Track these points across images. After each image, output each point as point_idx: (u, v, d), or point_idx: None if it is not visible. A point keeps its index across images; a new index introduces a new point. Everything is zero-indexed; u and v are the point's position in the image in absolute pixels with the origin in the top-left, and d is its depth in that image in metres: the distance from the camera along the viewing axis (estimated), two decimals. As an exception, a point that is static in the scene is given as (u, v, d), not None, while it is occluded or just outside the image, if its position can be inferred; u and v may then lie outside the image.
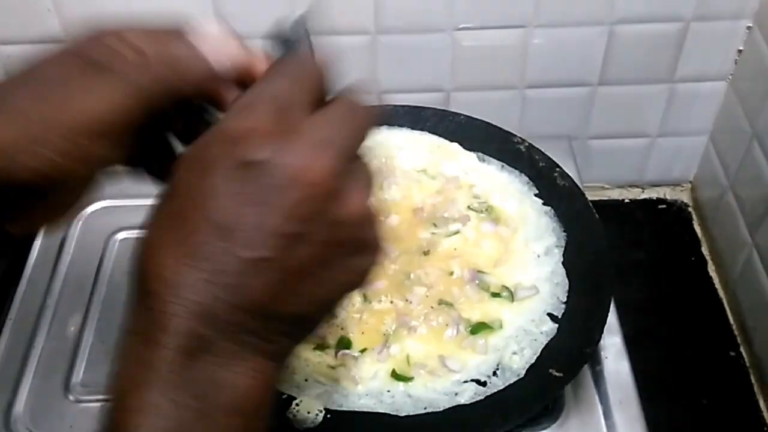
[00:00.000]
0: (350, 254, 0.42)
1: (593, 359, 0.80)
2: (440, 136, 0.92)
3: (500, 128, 0.91)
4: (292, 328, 0.42)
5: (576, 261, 0.81)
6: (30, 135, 0.45)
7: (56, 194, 0.49)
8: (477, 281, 0.80)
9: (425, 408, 0.71)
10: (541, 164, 0.89)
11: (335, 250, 0.41)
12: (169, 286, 0.38)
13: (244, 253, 0.38)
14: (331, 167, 0.39)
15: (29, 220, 0.51)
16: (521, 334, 0.76)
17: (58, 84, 0.46)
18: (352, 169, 0.41)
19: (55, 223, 0.54)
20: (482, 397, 0.72)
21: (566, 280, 0.80)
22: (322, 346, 0.75)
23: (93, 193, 0.52)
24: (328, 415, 0.70)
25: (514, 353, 0.75)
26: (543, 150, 0.89)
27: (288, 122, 0.40)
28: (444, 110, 0.94)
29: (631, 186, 1.20)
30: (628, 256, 1.10)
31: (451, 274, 0.80)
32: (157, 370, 0.38)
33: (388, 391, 0.72)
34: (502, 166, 0.90)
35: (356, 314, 0.76)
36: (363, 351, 0.75)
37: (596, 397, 0.78)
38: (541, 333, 0.76)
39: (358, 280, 0.43)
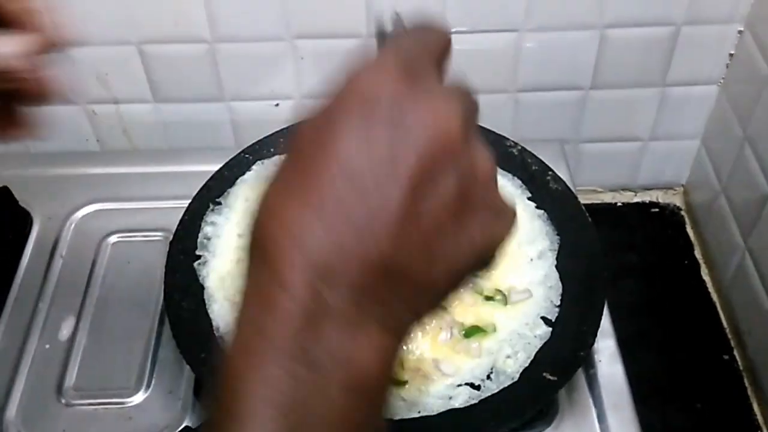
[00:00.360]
0: (482, 215, 0.39)
1: (587, 363, 0.80)
2: (433, 139, 0.92)
3: (493, 132, 0.91)
4: (418, 297, 0.38)
5: (569, 264, 0.81)
6: None
7: None
8: (470, 285, 0.79)
9: (419, 412, 0.71)
10: (533, 168, 0.89)
11: (467, 207, 0.37)
12: (290, 237, 0.35)
13: (373, 199, 0.35)
14: (462, 120, 0.37)
15: None
16: (515, 337, 0.76)
17: None
18: (474, 133, 0.39)
19: None
20: (476, 401, 0.72)
21: (560, 284, 0.80)
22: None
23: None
24: (322, 419, 0.70)
25: (508, 357, 0.75)
26: (535, 153, 0.89)
27: (417, 74, 0.38)
28: (437, 114, 0.94)
29: (623, 189, 1.20)
30: (621, 259, 1.10)
31: (445, 277, 0.80)
32: (272, 335, 0.35)
33: (382, 394, 0.72)
34: (495, 169, 0.90)
35: (350, 318, 0.76)
36: (356, 355, 0.74)
37: (590, 401, 0.78)
38: (535, 336, 0.76)
39: (491, 248, 0.40)
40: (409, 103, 0.36)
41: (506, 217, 0.41)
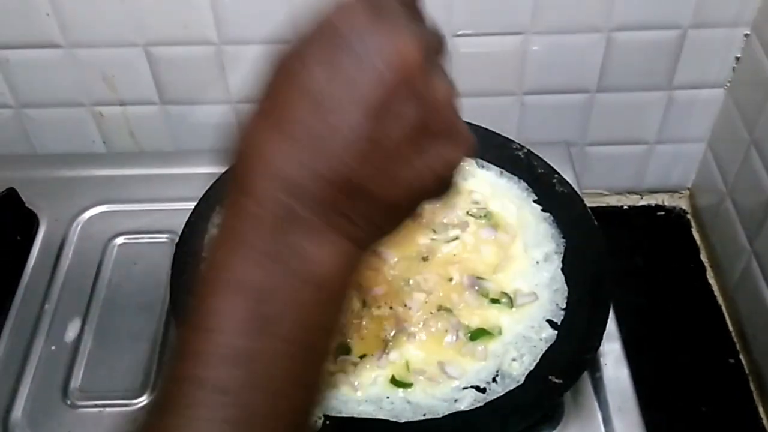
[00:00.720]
0: (440, 141, 0.42)
1: (592, 366, 0.80)
2: (439, 142, 0.92)
3: (499, 134, 0.91)
4: (379, 214, 0.42)
5: (575, 267, 0.81)
6: None
7: None
8: (476, 287, 0.80)
9: (424, 414, 0.71)
10: (539, 170, 0.89)
11: (426, 132, 0.41)
12: (259, 155, 0.39)
13: (335, 119, 0.38)
14: (422, 49, 0.40)
15: None
16: (520, 340, 0.76)
17: None
18: (436, 66, 0.42)
19: None
20: (482, 404, 0.72)
21: (565, 287, 0.80)
22: (321, 352, 0.75)
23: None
24: (327, 422, 0.70)
25: (514, 360, 0.75)
26: (542, 156, 0.89)
27: (381, 10, 0.40)
28: (443, 116, 0.94)
29: (629, 192, 1.20)
30: (627, 262, 1.10)
31: (450, 280, 0.80)
32: (245, 236, 0.39)
33: (388, 397, 0.72)
34: (501, 172, 0.90)
35: (355, 320, 0.76)
36: (362, 357, 0.74)
37: (596, 404, 0.78)
38: (541, 339, 0.76)
39: (448, 173, 0.44)
40: (370, 34, 0.39)
41: (463, 142, 0.44)
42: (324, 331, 0.43)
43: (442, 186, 0.44)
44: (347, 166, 0.39)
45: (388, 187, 0.41)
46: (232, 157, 0.41)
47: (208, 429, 0.38)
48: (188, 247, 0.82)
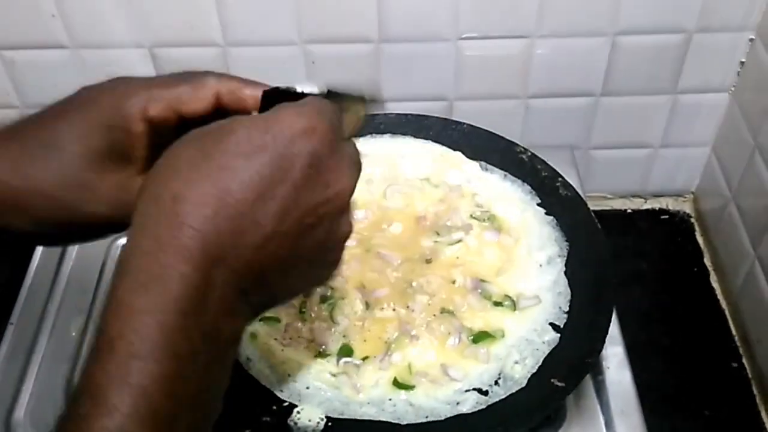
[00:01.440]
0: (327, 255, 0.48)
1: (595, 369, 0.80)
2: (443, 144, 0.92)
3: (503, 137, 0.91)
4: (275, 294, 0.47)
5: (578, 271, 0.81)
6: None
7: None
8: (479, 290, 0.80)
9: (427, 417, 0.71)
10: (543, 174, 0.89)
11: (324, 245, 0.47)
12: (198, 207, 0.41)
13: (258, 218, 0.42)
14: (329, 128, 0.45)
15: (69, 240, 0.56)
16: (523, 343, 0.76)
17: None
18: (343, 146, 0.47)
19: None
20: (484, 407, 0.72)
21: (568, 290, 0.80)
22: (323, 354, 0.75)
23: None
24: (330, 423, 0.70)
25: (516, 362, 0.75)
26: (546, 159, 0.89)
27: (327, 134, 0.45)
28: (447, 119, 0.94)
29: (633, 196, 1.20)
30: (631, 266, 1.10)
31: (454, 282, 0.80)
32: (158, 307, 0.39)
33: (390, 399, 0.72)
34: (505, 175, 0.90)
35: (358, 322, 0.76)
36: (365, 359, 0.74)
37: (598, 407, 0.78)
38: (543, 342, 0.76)
39: (327, 275, 0.50)
40: (323, 166, 0.44)
41: (334, 267, 0.50)
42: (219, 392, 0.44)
43: (320, 280, 0.51)
44: (262, 254, 0.43)
45: (284, 277, 0.46)
46: (161, 185, 0.42)
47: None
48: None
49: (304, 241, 0.45)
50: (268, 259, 0.43)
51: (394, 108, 0.95)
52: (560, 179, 0.88)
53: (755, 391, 0.98)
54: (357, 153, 0.48)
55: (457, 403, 0.72)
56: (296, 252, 0.45)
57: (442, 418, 0.71)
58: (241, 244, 0.42)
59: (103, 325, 0.39)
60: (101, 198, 0.50)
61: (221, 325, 0.42)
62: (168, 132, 0.49)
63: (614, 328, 0.82)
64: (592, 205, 0.86)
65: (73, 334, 0.85)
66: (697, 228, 1.17)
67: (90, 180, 0.50)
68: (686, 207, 1.20)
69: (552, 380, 0.72)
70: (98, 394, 0.38)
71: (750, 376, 1.00)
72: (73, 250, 0.93)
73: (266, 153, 0.42)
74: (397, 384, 0.73)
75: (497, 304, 0.79)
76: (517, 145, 0.91)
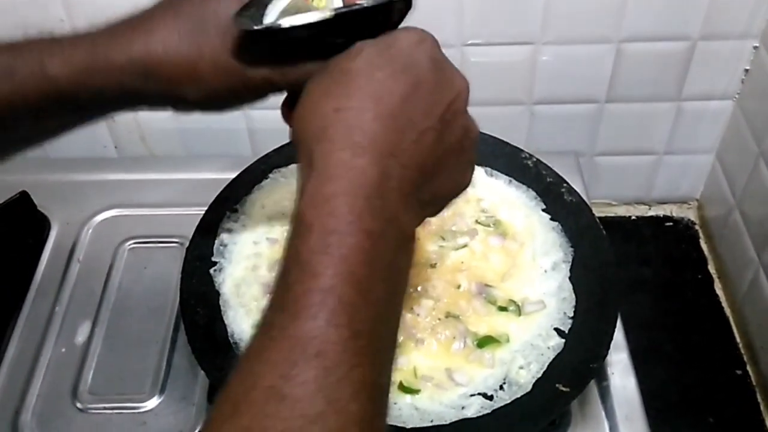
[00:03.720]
0: (464, 161, 0.53)
1: (600, 375, 0.80)
2: (449, 150, 0.92)
3: (508, 143, 0.91)
4: (429, 198, 0.50)
5: (583, 276, 0.81)
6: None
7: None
8: (484, 295, 0.80)
9: (432, 421, 0.71)
10: (548, 180, 0.89)
11: (461, 151, 0.51)
12: (367, 134, 0.46)
13: (419, 124, 0.48)
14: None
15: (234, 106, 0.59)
16: (528, 348, 0.76)
17: None
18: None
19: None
20: (489, 411, 0.72)
21: (573, 296, 0.80)
22: (329, 358, 0.75)
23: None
24: (335, 427, 0.70)
25: (521, 367, 0.75)
26: (551, 165, 0.90)
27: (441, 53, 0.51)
28: (453, 125, 0.95)
29: (637, 203, 1.20)
30: (635, 272, 1.10)
31: (459, 287, 0.80)
32: (345, 196, 0.44)
33: (395, 403, 0.73)
34: (510, 180, 0.90)
35: (364, 326, 0.77)
36: (370, 363, 0.75)
37: (603, 413, 0.78)
38: (548, 348, 0.76)
39: (467, 181, 0.54)
40: (443, 67, 0.50)
41: (472, 168, 0.55)
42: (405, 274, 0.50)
43: (461, 189, 0.55)
44: (424, 155, 0.48)
45: (438, 180, 0.50)
46: (316, 121, 0.47)
47: (338, 335, 0.42)
48: (198, 251, 0.82)
49: (448, 137, 0.50)
50: (425, 153, 0.48)
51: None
52: (565, 185, 0.88)
53: (759, 398, 0.99)
54: None
55: (462, 408, 0.72)
56: (443, 146, 0.49)
57: (447, 422, 0.71)
58: (403, 139, 0.47)
59: (300, 216, 0.45)
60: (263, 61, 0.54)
61: (400, 215, 0.46)
62: None
63: (619, 335, 0.82)
64: (597, 212, 0.86)
65: (80, 336, 0.85)
66: (701, 235, 1.17)
67: None
68: (690, 214, 1.20)
69: (557, 385, 0.72)
70: (304, 263, 0.43)
71: (754, 382, 1.00)
72: (81, 252, 0.93)
73: (397, 63, 0.48)
74: (403, 388, 0.73)
75: (502, 308, 0.79)
76: (523, 150, 0.91)
